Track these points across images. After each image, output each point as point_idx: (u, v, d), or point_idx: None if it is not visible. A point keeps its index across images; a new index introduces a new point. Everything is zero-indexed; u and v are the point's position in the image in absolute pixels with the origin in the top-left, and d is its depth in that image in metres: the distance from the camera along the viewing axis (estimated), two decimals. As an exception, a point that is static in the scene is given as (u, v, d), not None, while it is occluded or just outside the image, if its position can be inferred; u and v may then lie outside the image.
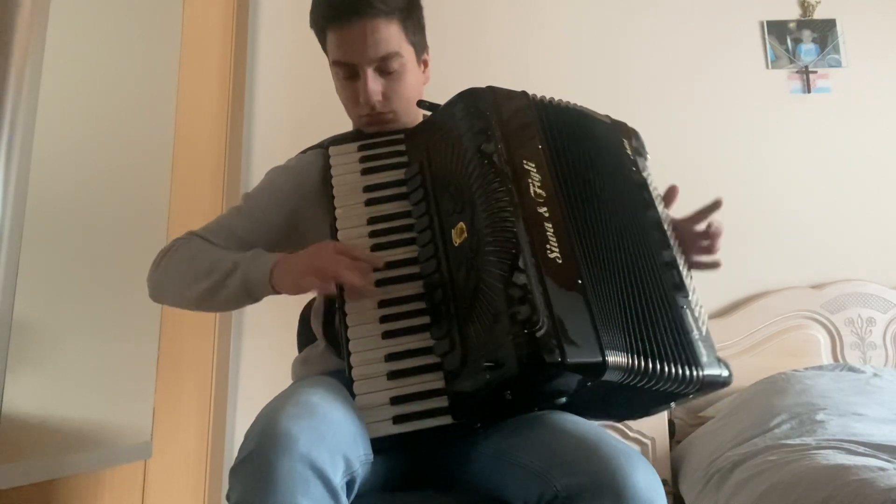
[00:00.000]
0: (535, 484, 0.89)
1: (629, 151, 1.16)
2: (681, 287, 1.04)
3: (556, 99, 1.14)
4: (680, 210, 1.16)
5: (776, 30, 2.66)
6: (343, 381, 0.98)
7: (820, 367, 2.12)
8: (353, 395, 0.94)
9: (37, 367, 1.35)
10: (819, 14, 2.66)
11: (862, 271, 2.46)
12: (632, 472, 0.84)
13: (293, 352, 1.32)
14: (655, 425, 2.12)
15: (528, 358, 0.85)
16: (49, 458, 1.37)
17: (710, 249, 1.13)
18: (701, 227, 1.13)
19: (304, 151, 1.26)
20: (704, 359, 0.99)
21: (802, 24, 2.66)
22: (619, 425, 2.10)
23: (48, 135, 1.35)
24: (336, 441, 0.81)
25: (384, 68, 1.12)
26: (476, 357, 0.90)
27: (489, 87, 1.09)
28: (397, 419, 0.93)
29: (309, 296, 1.30)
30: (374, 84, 1.12)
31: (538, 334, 0.85)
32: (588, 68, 2.63)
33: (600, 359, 0.87)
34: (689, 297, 1.04)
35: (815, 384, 1.92)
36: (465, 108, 1.06)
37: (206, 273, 1.06)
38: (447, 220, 1.01)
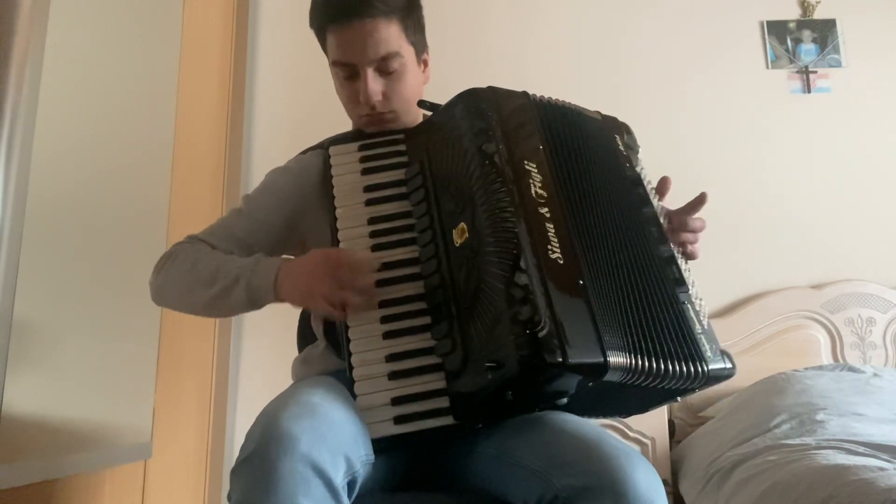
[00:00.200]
0: (535, 484, 0.90)
1: (621, 147, 1.16)
2: (681, 282, 1.04)
3: (555, 98, 1.14)
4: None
5: (776, 30, 2.66)
6: (344, 381, 0.98)
7: (820, 367, 2.12)
8: (353, 396, 0.94)
9: (37, 367, 1.35)
10: (819, 14, 2.66)
11: (862, 271, 2.46)
12: (632, 473, 0.84)
13: (293, 352, 1.32)
14: (655, 425, 2.12)
15: (529, 358, 0.85)
16: (49, 458, 1.37)
17: (693, 242, 1.13)
18: (689, 220, 1.12)
19: (303, 152, 1.26)
20: (708, 353, 0.99)
21: (802, 24, 2.66)
22: (619, 425, 2.10)
23: (48, 135, 1.35)
24: (337, 441, 0.81)
25: (384, 68, 1.12)
26: (477, 357, 0.90)
27: (490, 88, 1.09)
28: (398, 419, 0.93)
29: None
30: (374, 84, 1.12)
31: (540, 335, 0.85)
32: (588, 68, 2.63)
33: (601, 359, 0.87)
34: (689, 292, 1.04)
35: (815, 384, 1.92)
36: (465, 108, 1.06)
37: (208, 281, 1.06)
38: (448, 221, 1.01)
